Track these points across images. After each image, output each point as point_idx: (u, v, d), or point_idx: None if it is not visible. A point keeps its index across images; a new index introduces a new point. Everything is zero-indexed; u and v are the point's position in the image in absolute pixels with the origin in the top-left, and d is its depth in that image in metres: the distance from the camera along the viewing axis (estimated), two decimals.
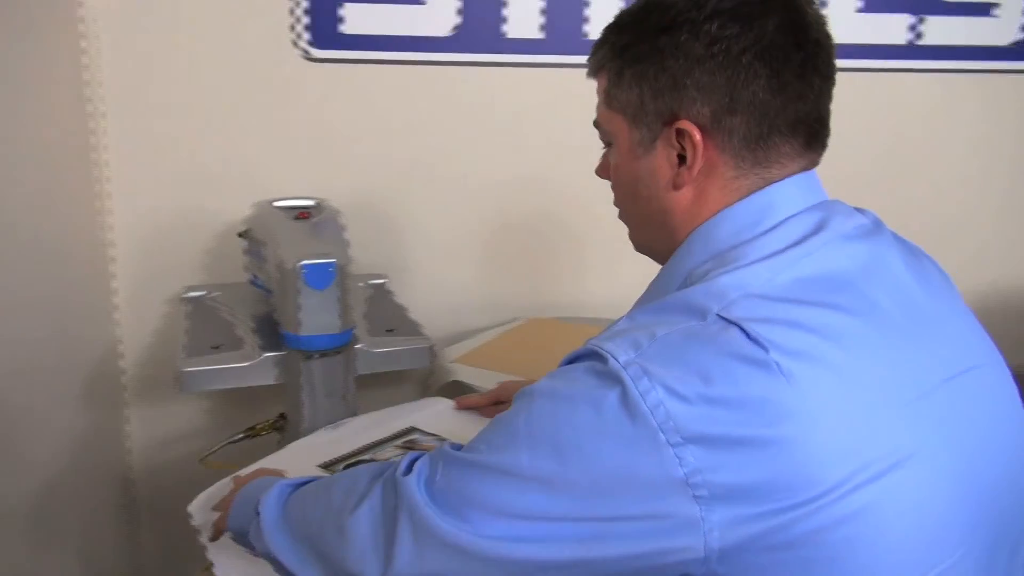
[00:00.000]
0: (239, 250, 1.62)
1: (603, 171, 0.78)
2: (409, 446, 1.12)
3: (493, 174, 1.67)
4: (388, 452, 1.10)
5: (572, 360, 0.65)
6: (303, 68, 1.56)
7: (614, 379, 0.58)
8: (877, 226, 0.69)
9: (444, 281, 1.70)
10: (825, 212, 0.66)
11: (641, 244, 0.77)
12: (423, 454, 0.71)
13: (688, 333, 0.59)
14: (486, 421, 1.19)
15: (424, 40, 1.58)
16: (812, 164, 0.68)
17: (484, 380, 1.37)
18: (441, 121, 1.63)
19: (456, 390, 1.41)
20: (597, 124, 0.76)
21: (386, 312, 1.40)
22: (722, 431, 0.55)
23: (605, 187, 0.77)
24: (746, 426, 0.55)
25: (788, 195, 0.65)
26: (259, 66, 1.54)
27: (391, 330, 1.32)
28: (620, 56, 0.69)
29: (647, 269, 0.73)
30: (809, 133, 0.66)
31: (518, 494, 0.60)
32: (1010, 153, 1.77)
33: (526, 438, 0.61)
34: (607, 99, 0.72)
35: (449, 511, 0.62)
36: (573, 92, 1.65)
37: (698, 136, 0.65)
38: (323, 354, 1.12)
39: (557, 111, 1.65)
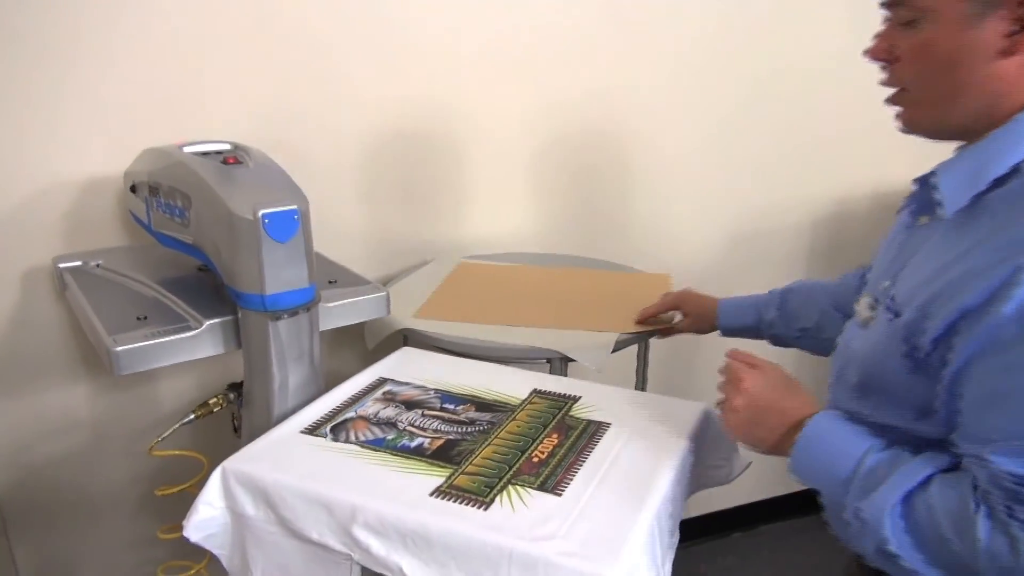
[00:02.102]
0: (101, 209, 1.39)
1: (884, 52, 0.78)
2: (389, 397, 1.06)
3: (372, 111, 1.55)
4: (370, 407, 1.03)
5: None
6: None
7: None
8: None
9: (330, 228, 1.57)
10: None
11: (933, 121, 0.78)
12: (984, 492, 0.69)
13: None
14: (450, 362, 1.17)
15: None
16: None
17: (450, 330, 1.30)
18: (313, 44, 1.46)
19: (400, 340, 1.34)
20: (900, 1, 0.75)
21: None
22: None
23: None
24: None
25: None
26: None
27: (333, 281, 1.21)
28: None
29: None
30: None
31: None
32: None
33: None
34: None
35: None
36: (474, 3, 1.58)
37: None
38: (292, 313, 1.01)
39: (452, 26, 1.56)
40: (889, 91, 0.81)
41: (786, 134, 1.91)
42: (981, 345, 0.68)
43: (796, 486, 2.29)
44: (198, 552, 0.94)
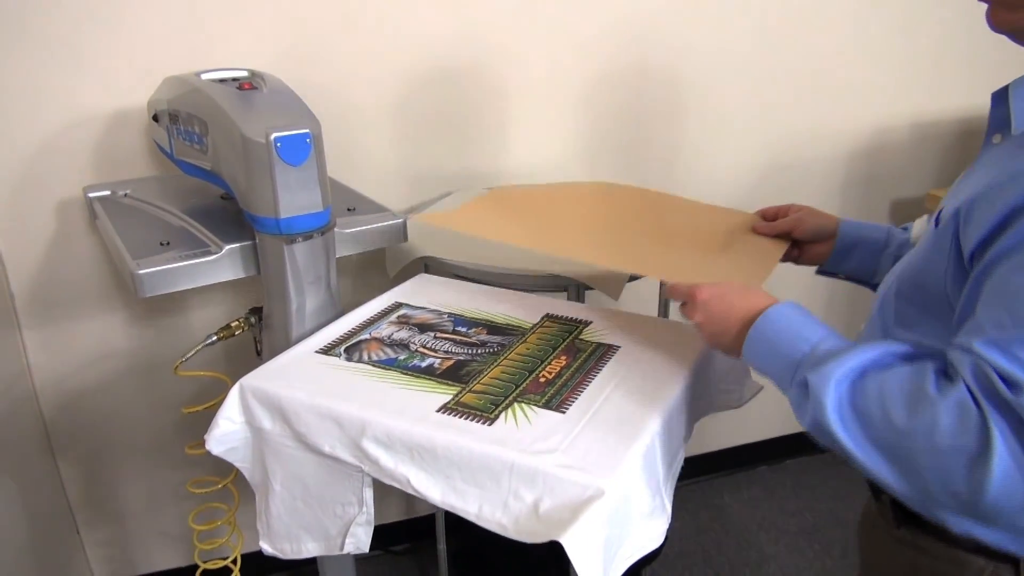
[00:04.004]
0: (130, 140, 1.42)
1: None
2: (404, 320, 1.08)
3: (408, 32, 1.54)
4: (384, 329, 1.05)
5: None
6: None
7: None
8: None
9: (354, 157, 1.58)
10: None
11: (1017, 24, 0.74)
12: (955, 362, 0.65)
13: None
14: (466, 288, 1.18)
15: None
16: None
17: (468, 258, 1.31)
18: None
19: (420, 268, 1.35)
20: None
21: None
22: None
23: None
24: None
25: None
26: None
27: (351, 209, 1.22)
28: None
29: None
30: None
31: None
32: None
33: None
34: None
35: None
36: None
37: None
38: (307, 236, 1.02)
39: None
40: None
41: (824, 62, 1.85)
42: (1012, 243, 0.65)
43: None
44: (228, 468, 0.99)
